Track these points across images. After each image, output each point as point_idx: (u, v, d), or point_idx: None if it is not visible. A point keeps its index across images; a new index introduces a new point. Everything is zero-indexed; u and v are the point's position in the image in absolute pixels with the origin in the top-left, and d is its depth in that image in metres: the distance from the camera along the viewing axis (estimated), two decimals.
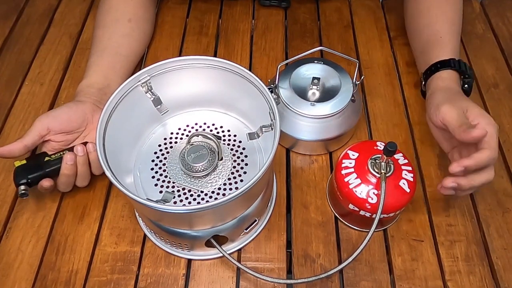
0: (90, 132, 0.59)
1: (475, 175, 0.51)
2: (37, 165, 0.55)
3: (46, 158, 0.55)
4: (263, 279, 0.50)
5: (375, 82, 0.74)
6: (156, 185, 0.55)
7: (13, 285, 0.54)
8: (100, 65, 0.65)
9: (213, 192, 0.54)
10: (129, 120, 0.54)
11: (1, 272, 0.55)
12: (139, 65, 0.74)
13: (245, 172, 0.55)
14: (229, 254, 0.52)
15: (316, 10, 0.85)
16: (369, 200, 0.53)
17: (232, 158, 0.56)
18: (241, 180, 0.55)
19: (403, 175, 0.53)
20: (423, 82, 0.65)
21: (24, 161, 0.55)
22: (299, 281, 0.51)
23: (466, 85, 0.61)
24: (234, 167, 0.56)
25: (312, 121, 0.62)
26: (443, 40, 0.65)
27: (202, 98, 0.59)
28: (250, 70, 0.53)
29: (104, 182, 0.62)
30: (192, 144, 0.54)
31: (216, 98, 0.59)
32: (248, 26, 0.82)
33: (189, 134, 0.59)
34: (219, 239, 0.53)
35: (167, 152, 0.57)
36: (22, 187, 0.53)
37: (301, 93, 0.62)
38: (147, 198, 0.53)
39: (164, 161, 0.57)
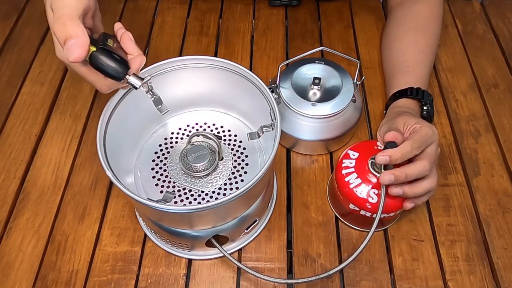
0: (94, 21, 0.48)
1: (416, 182, 0.52)
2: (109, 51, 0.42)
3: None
4: (263, 279, 0.50)
5: (375, 82, 0.74)
6: (156, 185, 0.55)
7: (13, 285, 0.54)
8: None
9: (213, 192, 0.54)
10: (129, 120, 0.54)
11: (2, 272, 0.55)
12: None
13: (245, 172, 0.55)
14: (230, 254, 0.52)
15: (316, 10, 0.85)
16: (370, 200, 0.53)
17: (232, 158, 0.56)
18: (242, 180, 0.55)
19: None
20: (385, 111, 0.66)
21: (94, 48, 0.41)
22: (300, 280, 0.51)
23: (424, 112, 0.62)
24: (235, 167, 0.56)
25: (312, 121, 0.62)
26: (409, 69, 0.66)
27: (203, 98, 0.59)
28: (250, 70, 0.53)
29: (104, 182, 0.62)
30: (192, 144, 0.55)
31: (217, 98, 0.59)
32: (249, 26, 0.82)
33: (190, 134, 0.59)
34: (220, 239, 0.53)
35: (168, 152, 0.57)
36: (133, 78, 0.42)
37: (302, 93, 0.62)
38: (147, 198, 0.53)
39: (164, 161, 0.57)
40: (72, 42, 0.39)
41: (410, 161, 0.52)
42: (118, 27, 0.46)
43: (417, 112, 0.62)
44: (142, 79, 0.44)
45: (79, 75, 0.44)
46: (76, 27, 0.39)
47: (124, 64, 0.42)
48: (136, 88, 0.44)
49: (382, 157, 0.50)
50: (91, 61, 0.41)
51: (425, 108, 0.62)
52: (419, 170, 0.50)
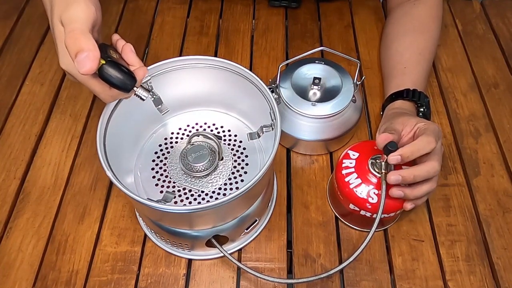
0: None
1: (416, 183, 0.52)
2: (116, 63, 0.43)
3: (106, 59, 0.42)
4: (263, 279, 0.50)
5: (375, 82, 0.74)
6: (156, 185, 0.55)
7: (13, 285, 0.54)
8: None
9: (213, 192, 0.54)
10: (129, 120, 0.54)
11: (2, 272, 0.55)
12: None
13: (245, 172, 0.55)
14: (230, 254, 0.52)
15: (316, 10, 0.85)
16: (370, 200, 0.53)
17: (232, 158, 0.56)
18: (242, 180, 0.55)
19: None
20: (381, 112, 0.66)
21: (103, 61, 0.41)
22: (300, 280, 0.51)
23: (420, 114, 0.62)
24: (235, 167, 0.56)
25: (312, 121, 0.62)
26: (406, 71, 0.66)
27: (203, 98, 0.59)
28: (250, 70, 0.53)
29: (104, 182, 0.62)
30: (192, 144, 0.55)
31: (217, 98, 0.59)
32: (249, 26, 0.82)
33: (190, 134, 0.59)
34: (220, 239, 0.53)
35: (168, 152, 0.57)
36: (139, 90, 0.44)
37: (302, 93, 0.62)
38: (147, 198, 0.53)
39: (164, 161, 0.57)
40: (84, 55, 0.39)
41: (414, 162, 0.52)
42: (117, 38, 0.47)
43: (414, 113, 0.62)
44: (149, 91, 0.45)
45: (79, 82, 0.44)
46: (88, 41, 0.40)
47: (132, 76, 0.43)
48: (143, 99, 0.45)
49: (394, 157, 0.49)
50: (101, 73, 0.41)
51: (421, 110, 0.62)
52: (427, 171, 0.50)
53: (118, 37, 0.47)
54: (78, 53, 0.39)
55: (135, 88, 0.44)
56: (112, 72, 0.41)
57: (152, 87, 0.53)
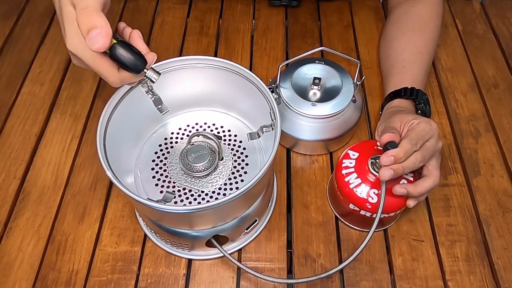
0: None
1: (419, 181, 0.53)
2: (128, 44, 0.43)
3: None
4: (263, 279, 0.50)
5: (375, 82, 0.74)
6: (156, 185, 0.55)
7: (13, 285, 0.54)
8: None
9: (213, 192, 0.54)
10: (129, 120, 0.54)
11: (2, 272, 0.55)
12: None
13: (245, 172, 0.55)
14: (230, 254, 0.52)
15: (316, 10, 0.85)
16: (370, 200, 0.53)
17: (232, 158, 0.56)
18: (242, 180, 0.55)
19: (403, 175, 0.53)
20: (380, 112, 0.66)
21: (115, 40, 0.41)
22: (300, 280, 0.51)
23: (419, 111, 0.62)
24: (235, 167, 0.56)
25: (312, 121, 0.62)
26: (404, 70, 0.66)
27: (203, 98, 0.59)
28: (250, 70, 0.53)
29: (104, 182, 0.62)
30: (192, 144, 0.55)
31: (217, 98, 0.59)
32: (249, 26, 0.82)
33: (190, 134, 0.59)
34: (220, 239, 0.53)
35: (168, 152, 0.57)
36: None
37: (302, 93, 0.62)
38: (147, 198, 0.53)
39: (164, 161, 0.57)
40: (96, 32, 0.39)
41: None
42: (123, 25, 0.47)
43: (412, 111, 0.62)
44: (159, 73, 0.45)
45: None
46: (100, 18, 0.40)
47: (143, 57, 0.43)
48: (153, 82, 0.45)
49: (387, 158, 0.50)
50: (112, 52, 0.41)
51: (419, 107, 0.62)
52: (412, 162, 0.51)
53: (125, 25, 0.47)
54: (91, 30, 0.39)
55: (145, 70, 0.43)
56: (123, 51, 0.41)
57: (152, 87, 0.53)
